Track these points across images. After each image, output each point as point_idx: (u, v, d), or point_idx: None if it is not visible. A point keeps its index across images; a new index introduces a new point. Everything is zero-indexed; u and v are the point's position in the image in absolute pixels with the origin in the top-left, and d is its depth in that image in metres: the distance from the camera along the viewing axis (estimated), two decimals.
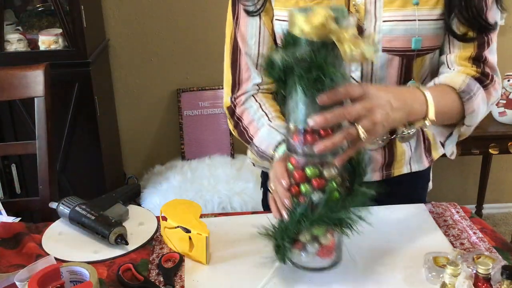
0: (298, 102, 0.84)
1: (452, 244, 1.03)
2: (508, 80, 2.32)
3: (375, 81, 1.07)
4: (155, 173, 2.55)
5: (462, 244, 1.03)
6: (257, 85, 1.14)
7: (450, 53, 1.06)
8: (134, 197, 1.25)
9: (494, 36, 1.05)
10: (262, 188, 1.35)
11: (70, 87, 2.22)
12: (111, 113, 2.60)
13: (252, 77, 1.14)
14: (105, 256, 1.02)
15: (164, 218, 1.04)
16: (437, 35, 1.04)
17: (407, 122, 0.95)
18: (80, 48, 2.20)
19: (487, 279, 0.81)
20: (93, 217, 1.07)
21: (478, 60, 1.04)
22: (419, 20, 1.00)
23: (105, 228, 1.05)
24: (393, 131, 1.13)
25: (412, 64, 1.05)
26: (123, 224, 1.08)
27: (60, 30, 2.24)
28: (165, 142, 2.72)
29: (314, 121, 0.82)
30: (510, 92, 2.31)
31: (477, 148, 2.33)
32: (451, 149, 1.13)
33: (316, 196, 0.86)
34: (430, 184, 1.31)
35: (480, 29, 1.02)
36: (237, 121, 1.16)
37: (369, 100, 0.85)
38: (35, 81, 1.43)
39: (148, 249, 1.05)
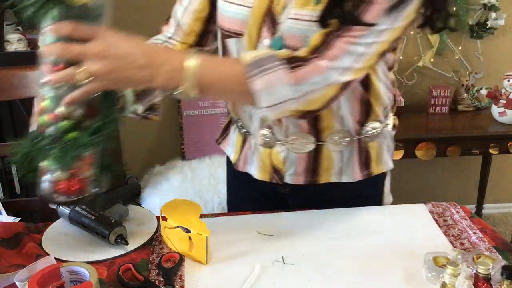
0: (44, 29, 0.84)
1: (452, 244, 1.03)
2: (508, 80, 2.31)
3: None
4: (155, 173, 2.54)
5: (462, 244, 1.03)
6: (168, 37, 1.16)
7: None
8: (134, 197, 1.25)
9: (367, 33, 0.88)
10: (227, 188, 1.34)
11: None
12: None
13: (169, 28, 1.17)
14: (105, 256, 1.02)
15: (164, 218, 1.04)
16: None
17: (160, 87, 0.90)
18: None
19: (487, 279, 0.81)
20: (93, 217, 1.07)
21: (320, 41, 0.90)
22: (313, 21, 0.92)
23: (105, 228, 1.05)
24: (320, 137, 1.07)
25: None
26: (123, 224, 1.08)
27: None
28: (165, 142, 2.72)
29: (43, 50, 0.81)
30: (510, 92, 2.31)
31: (477, 148, 2.33)
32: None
33: (50, 129, 0.86)
34: (390, 197, 1.21)
35: (345, 23, 0.89)
36: None
37: (98, 45, 0.82)
38: (35, 81, 1.43)
39: (148, 249, 1.05)
